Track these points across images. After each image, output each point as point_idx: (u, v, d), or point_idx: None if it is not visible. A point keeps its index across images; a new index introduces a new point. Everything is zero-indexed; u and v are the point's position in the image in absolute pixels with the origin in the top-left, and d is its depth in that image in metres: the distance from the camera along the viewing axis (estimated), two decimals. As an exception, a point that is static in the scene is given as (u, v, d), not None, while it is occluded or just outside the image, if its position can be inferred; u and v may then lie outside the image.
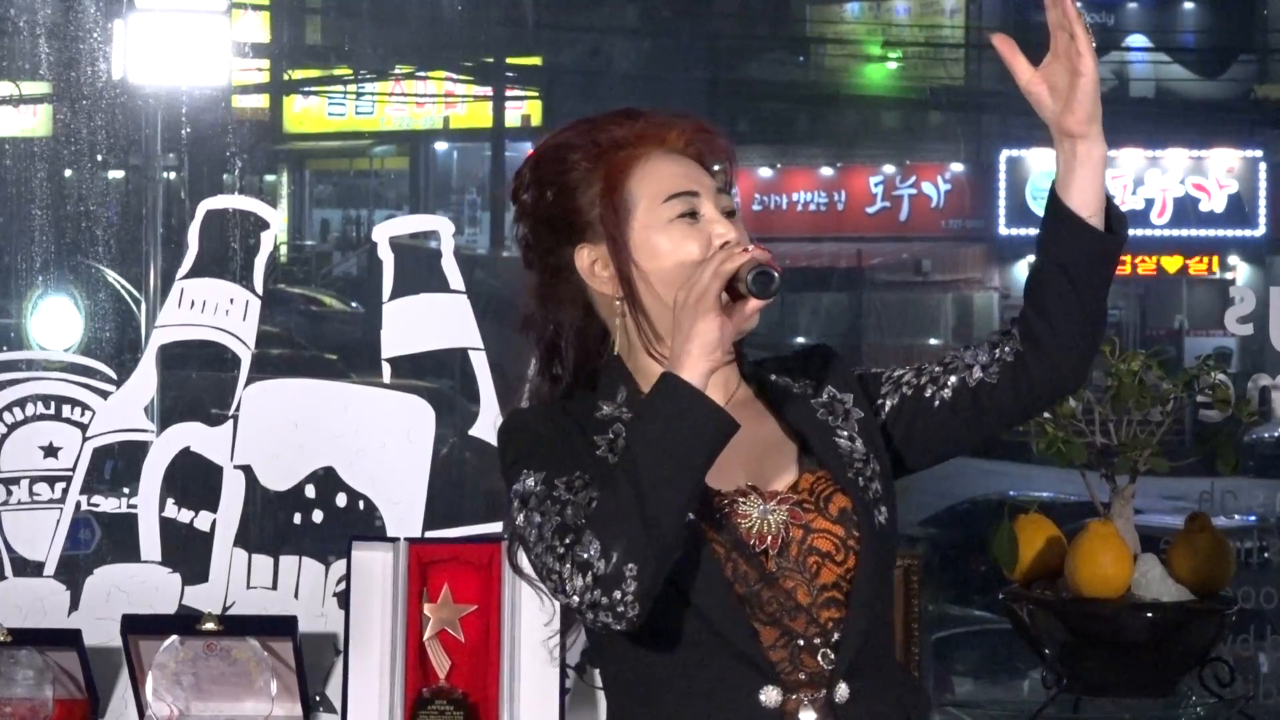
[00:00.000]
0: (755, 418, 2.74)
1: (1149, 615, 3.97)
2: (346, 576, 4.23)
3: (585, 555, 2.53)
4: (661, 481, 2.51)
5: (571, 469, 2.63)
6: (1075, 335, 2.70)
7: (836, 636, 2.63)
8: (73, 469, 4.41)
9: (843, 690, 2.61)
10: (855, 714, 2.61)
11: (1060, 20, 2.61)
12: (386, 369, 4.40)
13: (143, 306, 4.52)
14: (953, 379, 2.76)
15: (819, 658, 2.62)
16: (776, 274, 2.57)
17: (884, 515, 2.70)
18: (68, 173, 4.42)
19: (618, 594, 2.52)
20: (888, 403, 2.79)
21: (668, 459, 2.52)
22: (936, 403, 2.76)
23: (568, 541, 2.56)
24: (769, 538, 2.64)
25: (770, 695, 2.60)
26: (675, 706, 2.63)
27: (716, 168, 2.75)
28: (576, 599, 2.55)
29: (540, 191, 2.74)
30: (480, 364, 4.37)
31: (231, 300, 4.42)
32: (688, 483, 2.53)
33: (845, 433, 2.75)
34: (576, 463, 2.64)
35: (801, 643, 2.62)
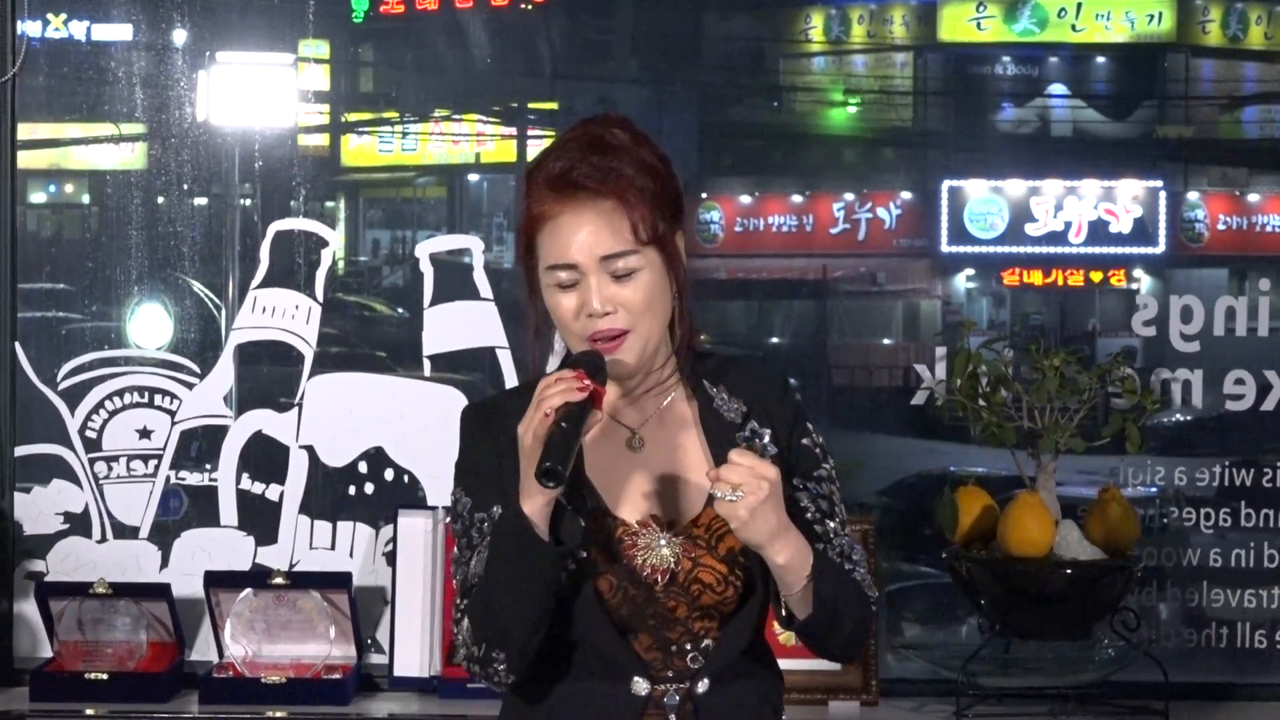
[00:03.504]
0: (678, 439, 2.59)
1: (1068, 571, 3.96)
2: (393, 539, 4.22)
3: (464, 634, 2.50)
4: (508, 605, 2.44)
5: (489, 505, 2.53)
6: (824, 653, 2.60)
7: (707, 643, 2.54)
8: (163, 448, 4.40)
9: (704, 683, 2.53)
10: (713, 702, 2.53)
11: None
12: (427, 365, 4.39)
13: (222, 312, 4.50)
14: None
15: (688, 660, 2.54)
16: (589, 410, 2.40)
17: None
18: (160, 200, 4.40)
19: (490, 670, 2.48)
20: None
21: (511, 586, 2.43)
22: None
23: (461, 608, 2.52)
24: (659, 572, 2.52)
25: (640, 686, 2.51)
26: (557, 694, 2.54)
27: (615, 253, 2.49)
28: (463, 659, 2.52)
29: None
30: (505, 360, 4.36)
31: (297, 306, 4.40)
32: (531, 605, 2.44)
33: None
34: (494, 497, 2.52)
35: (674, 648, 2.53)
